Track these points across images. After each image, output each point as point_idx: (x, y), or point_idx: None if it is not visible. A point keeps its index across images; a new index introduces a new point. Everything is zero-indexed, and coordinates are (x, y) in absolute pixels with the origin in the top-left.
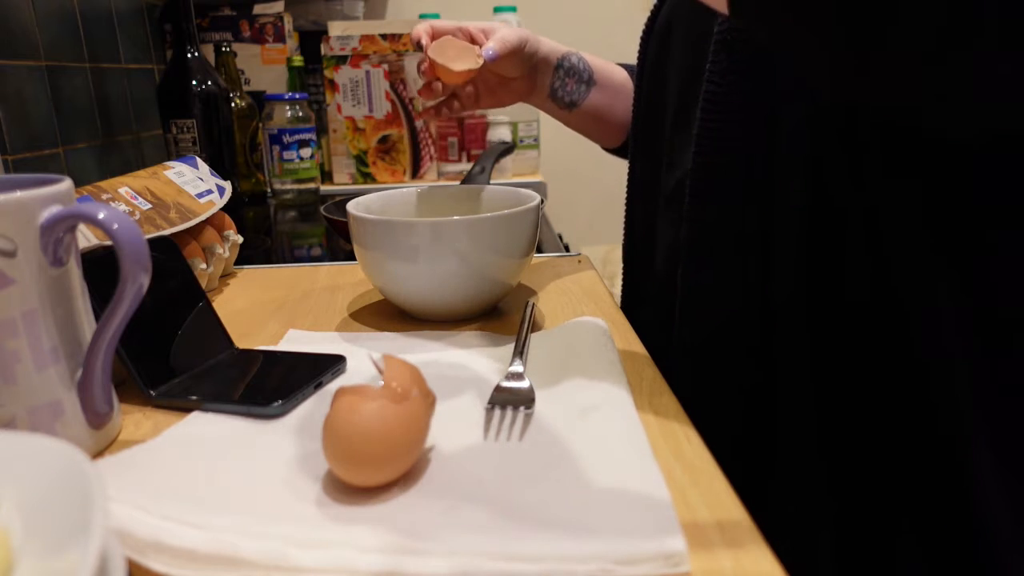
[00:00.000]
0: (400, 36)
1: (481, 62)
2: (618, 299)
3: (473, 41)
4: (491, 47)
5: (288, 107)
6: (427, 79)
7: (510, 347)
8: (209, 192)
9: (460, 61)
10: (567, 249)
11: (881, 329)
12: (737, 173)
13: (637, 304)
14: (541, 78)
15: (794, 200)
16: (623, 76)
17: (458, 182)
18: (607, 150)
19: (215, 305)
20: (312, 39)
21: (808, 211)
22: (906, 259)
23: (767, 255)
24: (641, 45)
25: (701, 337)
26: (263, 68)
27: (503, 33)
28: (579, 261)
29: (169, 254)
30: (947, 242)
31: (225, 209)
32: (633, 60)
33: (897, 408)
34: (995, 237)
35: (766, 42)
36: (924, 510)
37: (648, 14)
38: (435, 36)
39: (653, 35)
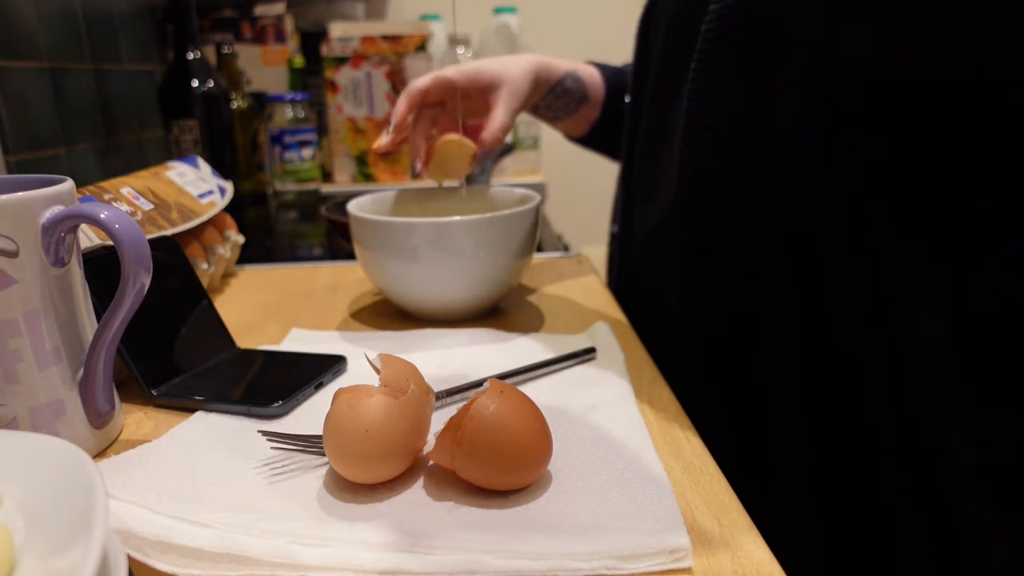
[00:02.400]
0: (401, 37)
1: (476, 164)
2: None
3: (466, 95)
4: (486, 146)
5: (289, 108)
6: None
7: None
8: (210, 192)
9: (456, 164)
10: (567, 249)
11: (871, 368)
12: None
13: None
14: (530, 98)
15: (776, 225)
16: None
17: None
18: (570, 139)
19: (216, 305)
20: (313, 40)
21: (791, 235)
22: (899, 291)
23: (753, 283)
24: (638, 34)
25: (691, 353)
26: (264, 69)
27: (501, 120)
28: (579, 261)
29: (171, 254)
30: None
31: (226, 209)
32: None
33: (887, 445)
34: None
35: None
36: (916, 550)
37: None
38: (419, 104)
39: (646, 21)
